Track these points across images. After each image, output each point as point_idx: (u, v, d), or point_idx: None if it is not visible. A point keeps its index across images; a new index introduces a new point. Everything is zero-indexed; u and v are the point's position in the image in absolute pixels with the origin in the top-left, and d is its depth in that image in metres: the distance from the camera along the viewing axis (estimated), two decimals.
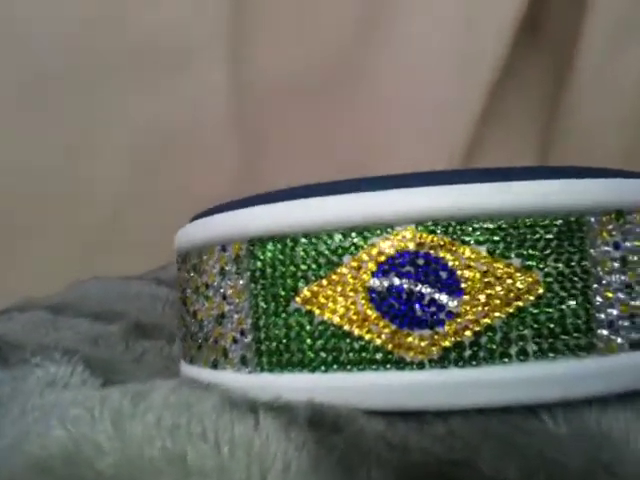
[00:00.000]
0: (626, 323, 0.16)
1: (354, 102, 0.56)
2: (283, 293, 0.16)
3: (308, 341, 0.16)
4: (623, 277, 0.16)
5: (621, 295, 0.16)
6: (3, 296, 0.30)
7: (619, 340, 0.16)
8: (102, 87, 0.45)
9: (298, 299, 0.16)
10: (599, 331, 0.15)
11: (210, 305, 0.18)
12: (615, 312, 0.16)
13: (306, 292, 0.16)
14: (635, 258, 0.16)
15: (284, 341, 0.16)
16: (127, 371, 0.21)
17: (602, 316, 0.16)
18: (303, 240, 0.16)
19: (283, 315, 0.16)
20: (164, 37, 0.47)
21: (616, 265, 0.16)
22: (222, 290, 0.17)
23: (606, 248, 0.16)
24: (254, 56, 0.52)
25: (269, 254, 0.16)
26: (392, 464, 0.13)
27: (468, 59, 0.58)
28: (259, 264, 0.17)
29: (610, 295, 0.16)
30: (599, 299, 0.16)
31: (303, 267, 0.16)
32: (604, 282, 0.16)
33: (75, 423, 0.14)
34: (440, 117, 0.58)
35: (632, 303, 0.16)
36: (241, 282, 0.17)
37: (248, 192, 0.18)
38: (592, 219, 0.16)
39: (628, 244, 0.16)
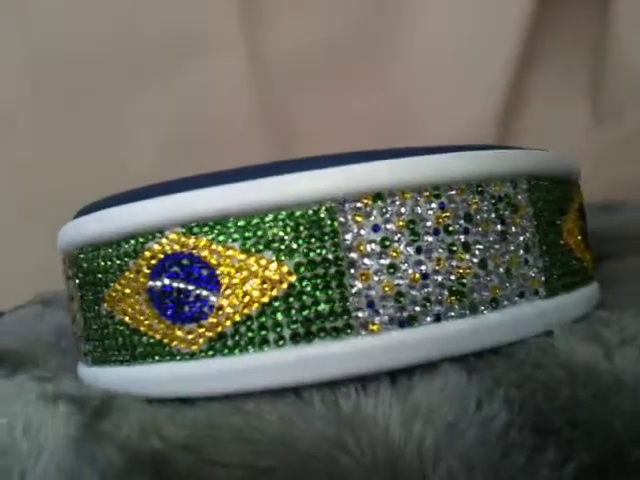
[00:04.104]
0: (390, 303, 0.16)
1: (379, 68, 0.56)
2: (94, 297, 0.18)
3: (112, 339, 0.18)
4: (385, 258, 0.16)
5: (382, 276, 0.16)
6: None
7: (380, 320, 0.16)
8: (119, 89, 0.49)
9: (104, 303, 0.18)
10: (356, 313, 0.16)
11: (70, 306, 0.21)
12: (375, 293, 0.16)
13: (106, 296, 0.18)
14: (398, 237, 0.16)
15: (99, 340, 0.18)
16: (55, 364, 0.24)
17: (359, 299, 0.16)
18: (102, 249, 0.18)
19: (97, 317, 0.18)
20: (176, 29, 0.50)
21: (375, 248, 0.16)
22: (70, 294, 0.20)
23: (362, 232, 0.16)
24: (269, 34, 0.53)
25: (84, 263, 0.19)
26: (130, 450, 0.15)
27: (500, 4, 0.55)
28: (80, 272, 0.19)
29: (368, 278, 0.16)
30: (356, 283, 0.16)
31: (104, 274, 0.18)
32: (360, 266, 0.16)
33: None
34: (474, 72, 0.56)
35: (397, 282, 0.16)
36: (73, 288, 0.19)
37: None
38: (346, 206, 0.16)
39: (389, 226, 0.16)
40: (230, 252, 0.16)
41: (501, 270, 0.17)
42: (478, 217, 0.17)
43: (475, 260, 0.17)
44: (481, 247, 0.17)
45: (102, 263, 0.18)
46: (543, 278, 0.18)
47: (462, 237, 0.17)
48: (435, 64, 0.55)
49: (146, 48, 0.51)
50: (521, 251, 0.18)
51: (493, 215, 0.17)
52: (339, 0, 0.55)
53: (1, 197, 0.48)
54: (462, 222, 0.17)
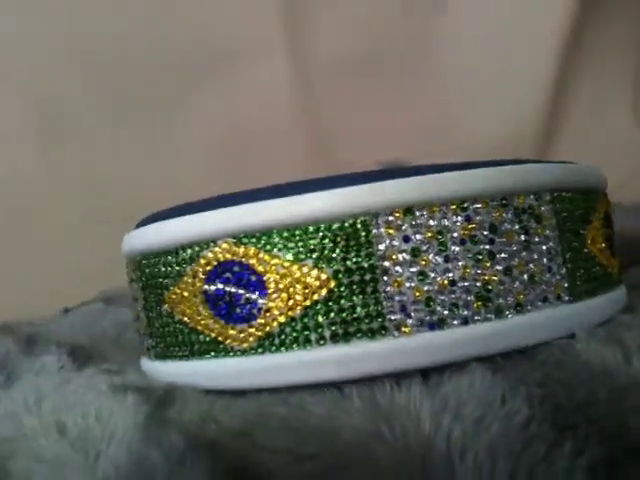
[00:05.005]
0: (420, 307, 0.18)
1: (421, 71, 0.57)
2: (156, 299, 0.21)
3: (172, 337, 0.20)
4: (415, 266, 0.18)
5: (413, 283, 0.18)
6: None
7: (412, 322, 0.18)
8: (170, 93, 0.52)
9: (165, 304, 0.20)
10: (390, 316, 0.18)
11: (134, 306, 0.23)
12: (406, 298, 0.18)
13: (167, 298, 0.20)
14: (427, 247, 0.18)
15: (161, 337, 0.21)
16: (120, 358, 0.27)
17: (392, 303, 0.18)
18: (162, 257, 0.20)
19: (158, 317, 0.21)
20: (218, 35, 0.52)
21: (406, 257, 0.18)
22: (134, 295, 0.22)
23: (394, 242, 0.18)
24: (312, 39, 0.55)
25: (146, 268, 0.21)
26: (190, 435, 0.17)
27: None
28: (143, 276, 0.21)
29: (400, 284, 0.18)
30: (389, 288, 0.18)
31: (164, 278, 0.20)
32: (393, 273, 0.18)
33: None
34: (518, 75, 0.57)
35: (426, 288, 0.18)
36: (137, 290, 0.22)
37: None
38: (379, 219, 0.18)
39: (419, 236, 0.18)
40: (275, 260, 0.18)
41: (525, 277, 0.19)
42: (502, 228, 0.18)
43: (500, 268, 0.18)
44: (505, 256, 0.18)
45: (162, 269, 0.20)
46: (566, 284, 0.19)
47: (487, 247, 0.18)
48: (479, 66, 0.56)
49: (190, 55, 0.53)
50: (544, 259, 0.19)
51: (517, 226, 0.19)
52: (382, 5, 0.57)
53: (71, 201, 0.51)
54: (487, 233, 0.18)
